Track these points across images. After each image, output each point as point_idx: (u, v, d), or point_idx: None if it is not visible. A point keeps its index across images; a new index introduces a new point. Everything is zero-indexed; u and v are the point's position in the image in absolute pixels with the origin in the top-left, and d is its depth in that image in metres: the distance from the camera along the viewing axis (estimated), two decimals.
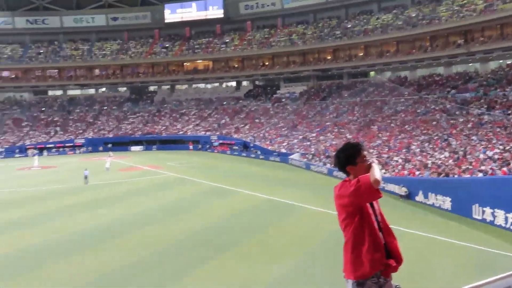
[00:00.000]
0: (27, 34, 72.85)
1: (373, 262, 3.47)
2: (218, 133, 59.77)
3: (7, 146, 61.62)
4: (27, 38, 72.99)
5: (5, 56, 70.59)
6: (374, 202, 3.71)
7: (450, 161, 27.22)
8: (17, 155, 59.97)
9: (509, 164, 23.22)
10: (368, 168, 3.58)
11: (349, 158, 3.64)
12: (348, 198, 3.48)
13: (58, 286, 13.88)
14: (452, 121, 35.70)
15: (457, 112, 37.34)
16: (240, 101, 66.96)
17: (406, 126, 38.81)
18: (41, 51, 71.92)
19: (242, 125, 59.16)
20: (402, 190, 25.12)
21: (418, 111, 41.61)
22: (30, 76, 70.83)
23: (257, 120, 59.02)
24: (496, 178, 21.71)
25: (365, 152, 3.65)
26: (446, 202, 22.02)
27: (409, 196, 24.84)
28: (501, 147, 26.33)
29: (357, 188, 3.37)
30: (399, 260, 3.62)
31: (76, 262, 16.02)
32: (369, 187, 3.30)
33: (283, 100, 62.54)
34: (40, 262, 16.15)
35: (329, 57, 58.89)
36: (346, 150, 3.70)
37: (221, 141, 58.13)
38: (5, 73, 70.55)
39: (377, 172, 3.35)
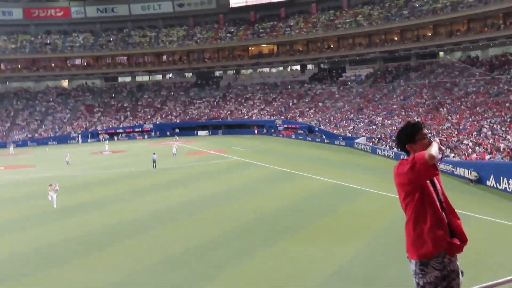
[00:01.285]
0: (97, 23, 75.17)
1: (436, 240, 3.45)
2: (283, 117, 60.13)
3: (80, 132, 63.64)
4: (97, 27, 75.25)
5: (77, 44, 73.09)
6: (436, 181, 3.66)
7: None
8: (89, 140, 62.15)
9: None
10: (428, 145, 3.55)
11: (408, 136, 3.67)
12: (406, 176, 3.45)
13: (139, 258, 14.33)
14: None
15: None
16: (305, 84, 67.00)
17: (477, 108, 38.27)
18: (111, 39, 73.88)
19: (307, 109, 59.28)
20: (472, 175, 24.64)
21: (490, 92, 41.03)
22: (101, 63, 73.17)
23: (322, 104, 58.96)
24: None
25: (425, 131, 3.66)
26: None
27: (480, 181, 24.24)
28: None
29: (412, 165, 3.36)
30: (463, 239, 3.56)
31: (151, 239, 16.72)
32: (425, 163, 3.29)
33: (348, 83, 62.35)
34: (121, 238, 17.00)
35: (396, 38, 58.39)
36: (406, 128, 3.71)
37: (286, 125, 58.34)
38: (77, 61, 73.14)
39: (433, 148, 3.33)
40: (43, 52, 71.62)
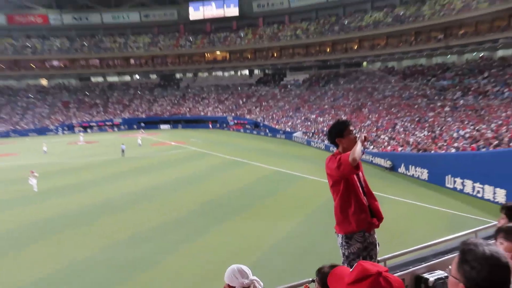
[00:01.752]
0: (73, 29, 72.95)
1: (359, 222, 3.61)
2: (233, 114, 60.51)
3: (57, 124, 62.57)
4: (73, 33, 73.12)
5: (55, 48, 70.93)
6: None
7: (429, 139, 27.36)
8: (66, 132, 61.30)
9: (478, 141, 23.50)
10: (354, 139, 3.72)
11: (338, 131, 3.77)
12: (333, 171, 3.59)
13: (110, 234, 14.50)
14: (431, 105, 35.73)
15: (435, 97, 37.46)
16: (252, 87, 67.43)
17: (392, 109, 38.85)
18: (85, 44, 72.15)
19: (253, 108, 59.62)
20: (387, 163, 25.56)
21: (403, 96, 41.64)
22: (76, 65, 71.18)
23: (266, 103, 59.37)
24: (467, 153, 21.96)
25: (351, 128, 3.79)
26: (423, 174, 22.34)
27: (393, 168, 25.14)
28: (472, 127, 26.55)
29: (338, 165, 3.49)
30: (380, 218, 3.74)
31: (120, 219, 16.66)
32: (348, 165, 3.40)
33: (288, 86, 62.90)
34: (95, 217, 16.98)
35: (328, 50, 58.61)
36: (336, 125, 3.84)
37: (236, 121, 58.79)
38: (55, 63, 71.15)
39: (356, 151, 3.39)
40: (24, 54, 69.33)
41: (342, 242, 3.72)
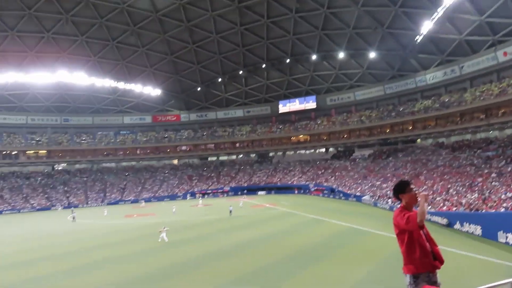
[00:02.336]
0: (196, 123, 78.12)
1: (423, 265, 3.47)
2: (314, 182, 60.12)
3: (183, 192, 65.81)
4: (196, 126, 78.11)
5: (184, 137, 76.08)
6: None
7: (479, 200, 26.02)
8: (189, 197, 64.08)
9: None
10: (415, 195, 3.67)
11: (401, 188, 3.72)
12: (401, 225, 3.54)
13: (221, 275, 14.35)
14: (479, 172, 34.01)
15: (482, 166, 35.68)
16: (328, 161, 67.03)
17: (445, 176, 37.22)
18: (204, 133, 76.62)
19: (329, 177, 59.09)
20: (444, 221, 24.38)
21: (453, 165, 39.90)
22: (198, 149, 75.47)
23: (339, 173, 58.63)
24: None
25: (412, 186, 3.74)
26: (477, 230, 20.75)
27: (449, 225, 23.73)
28: None
29: (407, 222, 3.44)
30: (441, 261, 3.59)
31: (231, 262, 16.59)
32: (415, 224, 3.35)
33: (357, 160, 62.04)
34: (213, 260, 16.97)
35: (387, 130, 58.08)
36: (399, 183, 3.79)
37: (316, 188, 58.24)
38: (183, 147, 75.66)
39: (423, 213, 3.33)
40: (162, 142, 75.00)
41: (410, 281, 3.55)
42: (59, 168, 72.42)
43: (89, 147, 71.63)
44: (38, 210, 56.54)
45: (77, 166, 73.08)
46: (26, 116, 68.77)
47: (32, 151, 67.95)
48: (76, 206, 57.93)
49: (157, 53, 65.30)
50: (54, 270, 16.85)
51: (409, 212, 3.57)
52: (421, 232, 3.57)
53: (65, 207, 57.72)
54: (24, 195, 60.36)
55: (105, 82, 63.33)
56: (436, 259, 3.56)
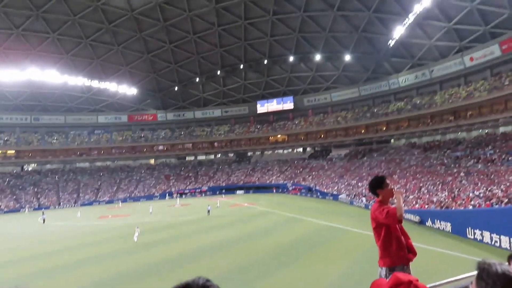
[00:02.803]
0: (173, 123, 77.16)
1: (399, 257, 3.55)
2: (292, 181, 60.61)
3: (160, 192, 65.03)
4: (173, 125, 77.23)
5: (161, 137, 75.22)
6: None
7: (449, 198, 27.04)
8: (167, 197, 63.15)
9: (491, 199, 23.33)
10: (391, 190, 3.74)
11: (377, 184, 3.78)
12: (379, 219, 3.59)
13: (202, 272, 14.40)
14: (449, 171, 35.42)
15: (452, 165, 37.09)
16: (306, 160, 67.77)
17: (417, 175, 38.45)
18: (181, 133, 75.92)
19: (307, 176, 59.73)
20: (416, 218, 25.02)
21: (425, 164, 41.28)
22: (175, 148, 74.66)
23: (316, 173, 59.36)
24: (483, 209, 21.63)
25: (388, 181, 3.83)
26: (447, 226, 21.50)
27: (421, 222, 24.46)
28: (484, 188, 26.39)
29: (386, 216, 3.49)
30: (414, 254, 3.68)
31: (207, 262, 16.45)
32: (395, 218, 3.43)
33: (333, 159, 62.97)
34: (186, 262, 16.61)
35: (363, 131, 59.20)
36: (375, 179, 3.85)
37: (294, 187, 58.66)
38: (160, 147, 74.52)
39: (402, 208, 3.42)
40: (139, 142, 73.94)
41: (386, 274, 3.61)
42: (29, 169, 70.00)
43: (61, 147, 69.50)
44: (6, 212, 54.38)
45: (49, 166, 70.84)
46: None
47: None
48: (47, 208, 56.23)
49: (133, 52, 64.10)
50: (19, 273, 16.40)
51: (387, 206, 3.63)
52: (397, 226, 3.66)
53: (35, 209, 55.83)
54: None
55: (78, 81, 61.48)
56: (410, 252, 3.65)
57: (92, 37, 59.25)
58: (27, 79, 59.01)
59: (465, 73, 46.56)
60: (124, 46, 62.42)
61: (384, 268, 3.62)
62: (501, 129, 41.13)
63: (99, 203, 61.01)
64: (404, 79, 55.34)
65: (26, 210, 54.95)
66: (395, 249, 3.56)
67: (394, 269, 3.51)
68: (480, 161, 34.85)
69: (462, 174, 32.86)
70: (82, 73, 63.21)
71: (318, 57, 59.25)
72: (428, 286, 2.66)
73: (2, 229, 35.21)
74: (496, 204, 22.20)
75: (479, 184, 27.87)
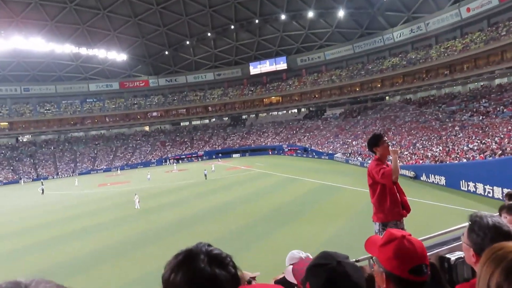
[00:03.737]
0: (166, 88, 76.33)
1: (393, 214, 3.58)
2: (287, 142, 60.73)
3: (157, 158, 65.29)
4: (166, 91, 76.46)
5: (154, 103, 74.50)
6: None
7: (443, 153, 27.22)
8: (163, 163, 63.29)
9: (485, 152, 23.50)
10: (387, 147, 3.71)
11: (374, 142, 3.76)
12: (375, 177, 3.63)
13: (199, 239, 15.08)
14: (443, 126, 35.46)
15: (446, 120, 37.14)
16: (300, 121, 67.71)
17: (412, 131, 38.63)
18: (175, 98, 75.26)
19: (302, 137, 59.94)
20: (411, 174, 25.24)
21: (420, 120, 41.36)
22: (169, 114, 74.22)
23: (311, 133, 59.52)
24: (477, 161, 21.74)
25: (385, 138, 3.81)
26: (441, 180, 21.70)
27: (416, 177, 24.70)
28: (478, 141, 26.49)
29: (382, 176, 3.53)
30: (408, 210, 3.72)
31: (206, 227, 16.46)
32: (390, 179, 3.48)
33: (328, 119, 62.89)
34: (189, 226, 16.89)
35: (357, 89, 58.81)
36: (372, 137, 3.83)
37: (289, 148, 58.90)
38: (154, 114, 74.15)
39: (397, 170, 3.45)
40: (132, 109, 73.22)
41: (379, 229, 3.67)
42: (24, 140, 69.38)
43: (54, 116, 68.65)
44: (5, 184, 54.45)
45: (43, 137, 70.22)
46: None
47: None
48: (45, 178, 56.36)
49: (120, 16, 61.71)
50: (22, 244, 16.48)
51: (383, 165, 3.63)
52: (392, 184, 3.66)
53: (34, 179, 56.01)
54: None
55: (65, 48, 59.52)
56: (404, 209, 3.67)
57: (76, 1, 56.74)
58: (12, 48, 56.94)
59: (462, 25, 45.47)
60: (110, 10, 60.02)
61: (377, 224, 3.67)
62: (497, 81, 40.71)
63: (96, 172, 61.18)
64: (399, 33, 54.18)
65: (23, 181, 54.89)
66: (389, 205, 3.59)
67: (387, 224, 3.58)
68: (475, 114, 34.75)
69: (456, 128, 32.90)
70: (68, 40, 61.12)
71: (310, 14, 57.31)
72: (421, 238, 2.76)
73: (1, 201, 35.25)
74: (490, 157, 22.34)
75: (474, 137, 27.96)
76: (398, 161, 3.66)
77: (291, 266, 1.97)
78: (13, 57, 61.76)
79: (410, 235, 1.32)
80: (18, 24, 56.75)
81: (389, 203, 3.61)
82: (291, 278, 1.91)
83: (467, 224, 1.51)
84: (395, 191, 3.66)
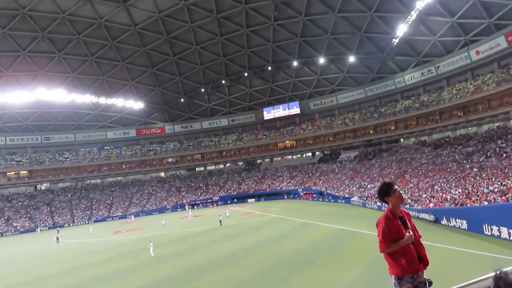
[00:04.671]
0: (181, 135, 77.83)
1: (407, 269, 3.45)
2: (302, 186, 60.21)
3: (172, 204, 65.26)
4: (181, 137, 77.85)
5: (169, 149, 75.83)
6: (408, 222, 3.62)
7: (463, 195, 26.49)
8: (179, 209, 63.32)
9: (506, 194, 22.83)
10: (400, 195, 3.63)
11: (385, 192, 3.67)
12: (378, 236, 3.62)
13: (218, 284, 14.49)
14: (461, 167, 34.79)
15: (464, 161, 36.45)
16: (315, 165, 67.52)
17: (429, 173, 37.91)
18: (190, 144, 76.36)
19: (318, 180, 59.40)
20: (431, 217, 24.67)
21: (436, 162, 40.65)
22: (185, 160, 74.96)
23: (327, 177, 59.02)
24: (499, 204, 20.99)
25: (395, 187, 3.66)
26: (463, 224, 21.08)
27: (436, 221, 24.06)
28: (498, 183, 25.81)
29: (380, 240, 3.57)
30: (426, 263, 3.57)
31: (222, 273, 16.51)
32: (380, 250, 3.52)
33: (343, 162, 62.59)
34: (203, 273, 16.82)
35: (371, 132, 58.92)
36: (382, 187, 3.72)
37: (305, 192, 58.32)
38: (170, 159, 75.23)
39: (393, 248, 3.41)
40: (148, 156, 74.46)
41: (394, 282, 3.56)
42: (42, 188, 70.94)
43: (72, 164, 70.47)
44: (22, 232, 55.14)
45: (61, 184, 71.71)
46: (5, 136, 67.28)
47: (12, 172, 66.43)
48: (61, 226, 56.92)
49: (138, 67, 65.04)
50: None
51: (393, 224, 3.56)
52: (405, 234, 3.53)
53: (50, 228, 56.48)
54: (6, 218, 58.82)
55: (85, 98, 62.51)
56: (421, 261, 3.54)
57: (96, 54, 60.35)
58: (35, 100, 60.18)
59: (472, 67, 46.10)
60: (129, 62, 63.41)
61: (393, 277, 3.57)
62: None
63: (112, 219, 61.50)
64: (410, 77, 54.99)
65: (39, 229, 55.45)
66: (403, 261, 3.48)
67: (402, 278, 3.47)
68: (492, 155, 34.21)
69: (475, 169, 32.29)
70: (89, 91, 64.34)
71: (321, 60, 59.24)
72: None
73: (18, 249, 35.76)
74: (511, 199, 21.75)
75: (493, 179, 27.36)
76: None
77: None
78: (36, 108, 65.01)
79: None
80: (42, 77, 60.38)
81: (403, 259, 3.46)
82: None
83: (492, 274, 1.50)
84: (409, 246, 3.49)
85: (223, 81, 69.13)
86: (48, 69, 60.14)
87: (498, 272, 1.49)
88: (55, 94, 58.83)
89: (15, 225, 57.28)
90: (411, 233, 3.48)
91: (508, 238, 16.98)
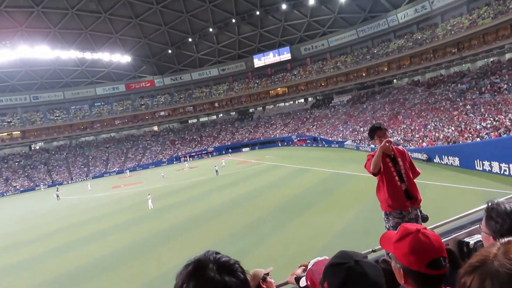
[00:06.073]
0: (172, 87, 76.58)
1: (392, 205, 3.51)
2: (296, 133, 60.44)
3: (168, 157, 65.62)
4: (172, 90, 76.68)
5: (161, 102, 74.85)
6: (399, 160, 3.63)
7: (456, 133, 26.53)
8: (174, 162, 63.92)
9: (499, 129, 22.91)
10: (380, 141, 3.62)
11: (370, 136, 3.83)
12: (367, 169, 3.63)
13: (214, 235, 14.36)
14: (454, 105, 34.59)
15: (457, 99, 36.18)
16: (308, 111, 67.30)
17: (422, 113, 37.83)
18: (181, 96, 75.46)
19: (311, 126, 59.59)
20: (424, 156, 24.68)
21: (430, 101, 40.43)
22: (177, 112, 74.22)
23: (320, 122, 59.15)
24: (491, 140, 21.01)
25: (382, 129, 3.76)
26: (455, 161, 21.15)
27: (429, 160, 24.11)
28: (492, 119, 25.79)
29: (365, 166, 3.67)
30: (415, 200, 3.57)
31: (220, 222, 16.46)
32: (370, 172, 3.51)
33: (336, 106, 62.31)
34: (203, 222, 16.71)
35: (364, 74, 58.11)
36: (369, 130, 3.88)
37: (298, 138, 58.56)
38: (162, 113, 74.47)
39: (375, 163, 3.38)
40: (140, 110, 73.49)
41: (383, 217, 3.68)
42: (37, 148, 70.32)
43: (64, 123, 69.33)
44: (22, 191, 55.34)
45: (55, 143, 71.06)
46: None
47: (5, 133, 65.30)
48: (60, 184, 57.11)
49: (121, 18, 61.77)
50: (44, 249, 16.73)
51: (372, 157, 3.57)
52: (393, 172, 3.54)
53: (49, 186, 56.71)
54: (5, 178, 58.80)
55: (70, 54, 60.03)
56: (409, 198, 3.54)
57: (77, 7, 57.01)
58: (19, 58, 57.62)
59: (468, 1, 44.42)
60: (111, 13, 60.12)
61: (383, 212, 3.66)
62: (507, 56, 39.57)
63: (109, 174, 61.74)
64: (403, 14, 53.11)
65: (42, 187, 55.72)
66: (387, 196, 3.53)
67: (390, 214, 3.54)
68: (486, 91, 33.73)
69: (468, 107, 32.10)
70: (73, 46, 61.61)
71: (311, 1, 56.50)
72: (438, 223, 2.82)
73: (19, 208, 35.87)
74: (504, 134, 21.78)
75: (486, 115, 27.29)
76: (380, 157, 3.49)
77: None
78: (21, 66, 62.45)
79: (425, 228, 1.30)
80: (23, 33, 57.24)
81: (387, 193, 3.53)
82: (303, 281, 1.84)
83: (484, 206, 1.48)
84: (394, 182, 3.52)
85: (211, 29, 66.33)
86: (28, 25, 56.85)
87: (490, 203, 1.49)
88: (38, 51, 56.27)
89: (15, 184, 57.33)
90: (383, 143, 3.42)
91: (499, 172, 17.17)
